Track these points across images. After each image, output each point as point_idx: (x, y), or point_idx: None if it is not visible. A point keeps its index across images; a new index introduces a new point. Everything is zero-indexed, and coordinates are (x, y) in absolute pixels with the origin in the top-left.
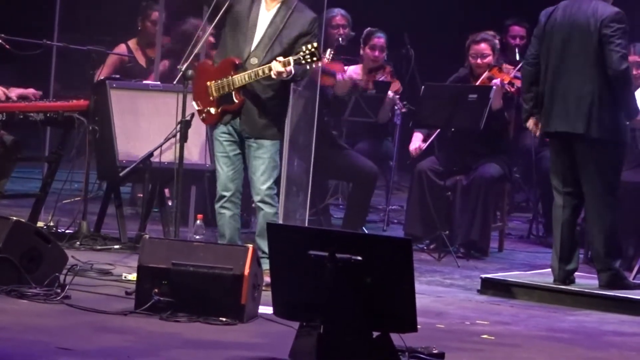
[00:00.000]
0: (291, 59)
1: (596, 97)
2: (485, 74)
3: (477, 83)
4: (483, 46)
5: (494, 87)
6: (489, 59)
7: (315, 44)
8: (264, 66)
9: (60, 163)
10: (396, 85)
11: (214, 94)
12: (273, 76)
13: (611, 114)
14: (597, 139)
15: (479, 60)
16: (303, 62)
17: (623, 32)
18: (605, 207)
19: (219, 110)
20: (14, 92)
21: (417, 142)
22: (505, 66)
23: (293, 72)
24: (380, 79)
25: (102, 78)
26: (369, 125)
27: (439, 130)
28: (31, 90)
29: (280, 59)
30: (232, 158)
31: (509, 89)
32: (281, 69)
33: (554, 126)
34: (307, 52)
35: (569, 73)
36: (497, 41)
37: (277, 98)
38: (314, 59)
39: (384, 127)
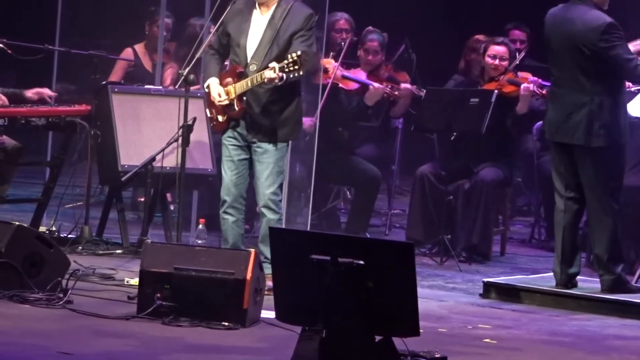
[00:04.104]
0: (277, 66)
1: (595, 106)
2: (505, 77)
3: (497, 86)
4: (503, 49)
5: (523, 91)
6: (505, 63)
7: (298, 53)
8: (257, 74)
9: (62, 168)
10: (405, 76)
11: None
12: (266, 82)
13: (610, 119)
14: (599, 147)
15: (496, 62)
16: (286, 70)
17: (620, 38)
18: (606, 211)
19: (225, 117)
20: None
21: None
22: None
23: (285, 77)
24: (386, 75)
25: (104, 83)
26: (371, 129)
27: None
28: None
29: (273, 64)
30: (236, 163)
31: (538, 92)
32: (273, 75)
33: (555, 136)
34: (291, 59)
35: (564, 83)
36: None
37: (283, 102)
38: (296, 67)
39: (387, 130)
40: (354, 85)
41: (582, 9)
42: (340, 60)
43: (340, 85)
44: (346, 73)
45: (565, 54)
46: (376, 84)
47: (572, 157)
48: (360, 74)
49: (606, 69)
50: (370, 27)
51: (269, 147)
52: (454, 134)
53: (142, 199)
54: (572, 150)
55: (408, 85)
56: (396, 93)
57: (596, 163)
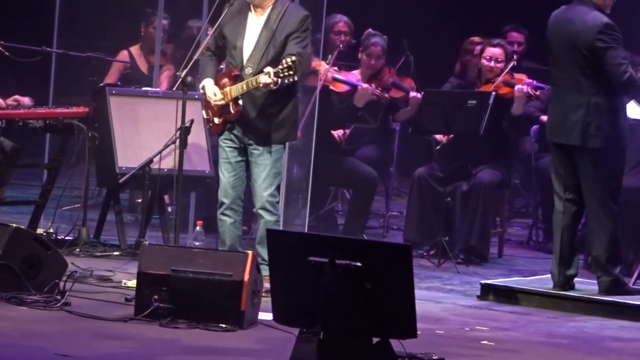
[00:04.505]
0: (272, 71)
1: (591, 107)
2: (500, 78)
3: (492, 87)
4: (499, 51)
5: (517, 92)
6: (502, 64)
7: (293, 58)
8: (252, 78)
9: (60, 170)
10: (410, 82)
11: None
12: (261, 87)
13: (609, 121)
14: (595, 148)
15: (492, 63)
16: (281, 75)
17: (616, 40)
18: (605, 213)
19: (221, 120)
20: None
21: None
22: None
23: (279, 82)
24: (391, 81)
25: (101, 85)
26: (371, 130)
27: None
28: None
29: (268, 69)
30: (233, 164)
31: (532, 93)
32: (268, 80)
33: (554, 136)
34: (285, 65)
35: (563, 83)
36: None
37: (279, 104)
38: (291, 72)
39: (386, 132)
40: (344, 87)
41: (582, 10)
42: (331, 63)
43: (331, 87)
44: (337, 75)
45: (566, 54)
46: (365, 85)
47: (572, 158)
48: (351, 76)
49: (604, 70)
50: (370, 30)
51: (265, 149)
52: (440, 144)
53: (140, 201)
54: (571, 151)
55: (418, 95)
56: (386, 95)
57: (595, 164)
